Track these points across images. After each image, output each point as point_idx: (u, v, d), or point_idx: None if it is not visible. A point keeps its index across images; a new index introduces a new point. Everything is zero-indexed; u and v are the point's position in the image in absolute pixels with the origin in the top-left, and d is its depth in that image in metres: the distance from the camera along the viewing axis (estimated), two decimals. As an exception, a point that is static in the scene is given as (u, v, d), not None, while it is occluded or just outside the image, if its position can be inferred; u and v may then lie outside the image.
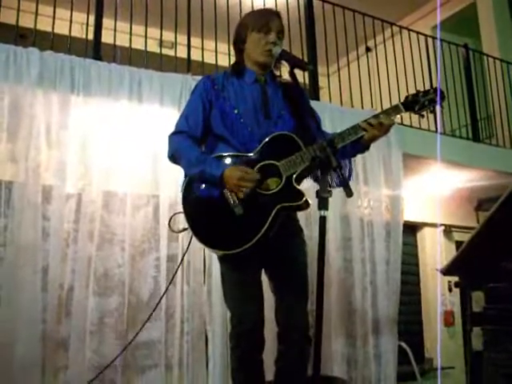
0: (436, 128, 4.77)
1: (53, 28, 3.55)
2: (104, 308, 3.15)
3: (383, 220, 4.25)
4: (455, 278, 2.98)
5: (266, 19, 2.19)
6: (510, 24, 6.69)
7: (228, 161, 2.09)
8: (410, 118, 4.44)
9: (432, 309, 5.74)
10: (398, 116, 2.17)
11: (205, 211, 2.08)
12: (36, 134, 3.11)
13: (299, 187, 2.05)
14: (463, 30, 6.76)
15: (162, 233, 3.37)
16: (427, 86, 4.84)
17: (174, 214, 2.38)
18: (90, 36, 3.67)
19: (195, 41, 4.05)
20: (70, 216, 3.17)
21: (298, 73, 2.12)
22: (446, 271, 2.77)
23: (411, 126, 4.66)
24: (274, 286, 2.17)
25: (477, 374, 2.71)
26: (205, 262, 3.44)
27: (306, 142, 2.08)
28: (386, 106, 2.32)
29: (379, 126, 2.09)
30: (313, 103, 2.54)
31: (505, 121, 5.67)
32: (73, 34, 3.63)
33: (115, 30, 3.82)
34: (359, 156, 2.32)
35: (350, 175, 2.32)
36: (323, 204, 1.75)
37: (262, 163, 2.06)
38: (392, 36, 5.08)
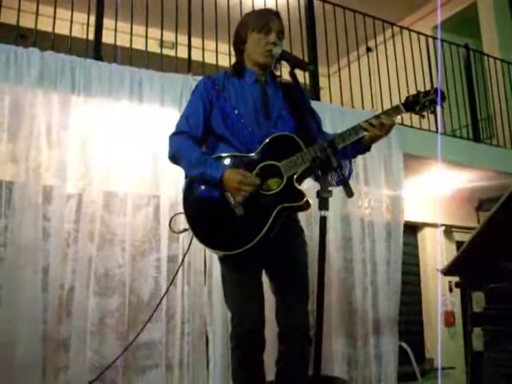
0: (437, 128, 4.78)
1: (53, 28, 3.55)
2: (104, 308, 3.15)
3: (384, 220, 4.25)
4: (456, 279, 2.97)
5: (266, 19, 2.19)
6: (510, 24, 6.68)
7: (229, 162, 2.09)
8: (411, 118, 4.44)
9: (432, 309, 5.74)
10: (399, 116, 2.17)
11: (205, 212, 2.08)
12: (36, 134, 3.11)
13: (300, 187, 2.05)
14: (464, 30, 6.76)
15: (162, 233, 3.37)
16: (428, 87, 4.87)
17: (175, 215, 2.38)
18: (91, 36, 3.67)
19: (196, 41, 4.05)
20: (70, 216, 3.17)
21: (299, 73, 2.13)
22: (447, 271, 2.77)
23: (412, 127, 4.66)
24: (274, 286, 2.17)
25: (477, 374, 2.71)
26: (205, 263, 3.44)
27: (306, 142, 2.08)
28: (387, 106, 2.32)
29: (380, 126, 2.09)
30: (313, 103, 2.54)
31: (505, 121, 5.67)
32: (73, 34, 3.63)
33: (116, 31, 3.82)
34: (360, 156, 2.32)
35: (349, 175, 2.32)
36: (324, 204, 1.75)
37: (262, 164, 2.06)
38: (393, 36, 5.08)
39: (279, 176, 2.04)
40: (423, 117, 2.23)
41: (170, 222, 2.48)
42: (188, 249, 2.47)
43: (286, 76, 2.22)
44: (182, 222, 2.19)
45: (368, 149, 2.20)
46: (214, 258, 3.31)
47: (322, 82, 4.72)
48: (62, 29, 3.59)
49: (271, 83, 2.26)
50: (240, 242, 1.97)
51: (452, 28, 6.71)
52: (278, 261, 2.14)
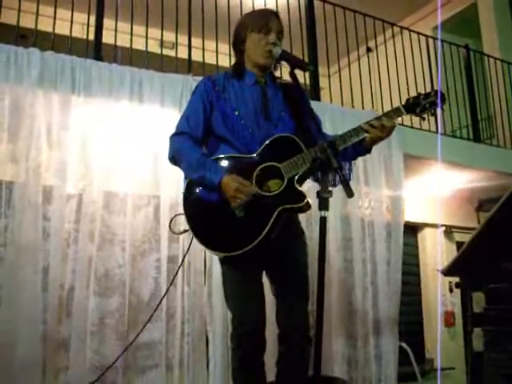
0: (437, 128, 4.77)
1: (53, 28, 3.55)
2: (105, 308, 3.15)
3: (384, 220, 4.25)
4: (456, 279, 2.97)
5: (265, 19, 2.19)
6: (510, 24, 6.68)
7: (229, 164, 2.09)
8: (411, 118, 4.43)
9: (433, 309, 5.74)
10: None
11: (206, 213, 2.08)
12: (37, 135, 3.11)
13: (301, 189, 2.05)
14: (464, 30, 6.76)
15: (162, 233, 3.37)
16: (428, 87, 4.88)
17: (175, 216, 2.38)
18: (91, 36, 3.67)
19: (196, 41, 4.05)
20: (70, 216, 3.18)
21: (299, 73, 2.12)
22: (447, 272, 2.77)
23: (412, 127, 4.66)
24: (274, 287, 2.17)
25: (477, 374, 2.71)
26: (205, 263, 3.44)
27: (306, 143, 2.08)
28: (387, 106, 2.33)
29: (381, 127, 2.09)
30: (313, 104, 2.54)
31: (505, 121, 5.67)
32: (74, 34, 3.63)
33: (116, 31, 3.82)
34: (360, 157, 2.32)
35: (349, 175, 2.33)
36: (324, 204, 1.75)
37: (263, 165, 2.06)
38: (393, 36, 5.08)
39: (280, 177, 2.04)
40: (424, 119, 2.23)
41: (170, 222, 2.47)
42: (188, 249, 2.47)
43: (285, 76, 2.22)
44: (182, 223, 2.19)
45: (369, 150, 2.20)
46: (213, 259, 3.31)
47: (322, 82, 4.72)
48: (62, 29, 3.59)
49: (271, 84, 2.25)
50: (240, 243, 1.97)
51: (452, 28, 6.71)
52: (279, 262, 2.13)
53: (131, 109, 3.42)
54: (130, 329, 3.16)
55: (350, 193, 1.73)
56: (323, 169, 1.80)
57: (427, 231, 5.99)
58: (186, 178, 2.16)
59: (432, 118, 2.34)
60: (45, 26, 3.59)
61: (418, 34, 5.25)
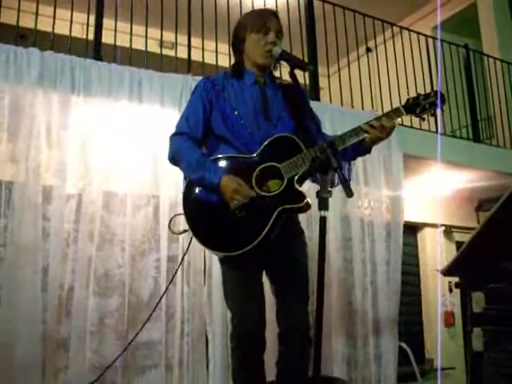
0: (436, 129, 4.77)
1: (53, 28, 3.55)
2: (104, 308, 3.15)
3: (384, 220, 4.25)
4: (455, 279, 2.97)
5: (264, 19, 2.19)
6: (510, 24, 6.69)
7: (228, 165, 2.09)
8: (411, 118, 4.43)
9: (432, 309, 5.74)
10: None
11: (205, 212, 2.08)
12: (36, 134, 3.11)
13: (300, 189, 2.05)
14: (463, 30, 6.76)
15: (162, 233, 3.37)
16: (428, 87, 4.88)
17: (175, 216, 2.38)
18: (91, 36, 3.67)
19: (195, 41, 4.05)
20: (70, 216, 3.17)
21: (299, 73, 2.12)
22: (447, 272, 2.77)
23: (411, 127, 4.66)
24: (274, 287, 2.17)
25: (477, 374, 2.71)
26: (205, 263, 3.44)
27: (306, 144, 2.08)
28: (387, 106, 2.33)
29: (381, 128, 2.09)
30: (313, 104, 2.54)
31: (505, 121, 5.67)
32: (73, 34, 3.63)
33: (115, 31, 3.82)
34: (359, 157, 2.32)
35: (349, 175, 2.33)
36: (323, 204, 1.75)
37: (263, 165, 2.06)
38: (392, 36, 5.08)
39: (279, 177, 2.04)
40: (423, 119, 2.23)
41: (170, 222, 2.47)
42: (187, 249, 2.46)
43: (285, 76, 2.22)
44: (182, 223, 2.19)
45: (368, 151, 2.20)
46: (213, 259, 3.31)
47: (322, 82, 4.72)
48: (61, 29, 3.59)
49: (270, 84, 2.25)
50: (240, 243, 1.97)
51: (452, 28, 6.71)
52: (279, 262, 2.13)
53: (131, 109, 3.42)
54: (130, 329, 3.15)
55: (349, 193, 1.73)
56: (323, 169, 1.80)
57: (427, 231, 5.99)
58: (185, 178, 2.16)
59: (432, 118, 2.34)
60: (44, 25, 3.59)
61: (418, 33, 5.24)
